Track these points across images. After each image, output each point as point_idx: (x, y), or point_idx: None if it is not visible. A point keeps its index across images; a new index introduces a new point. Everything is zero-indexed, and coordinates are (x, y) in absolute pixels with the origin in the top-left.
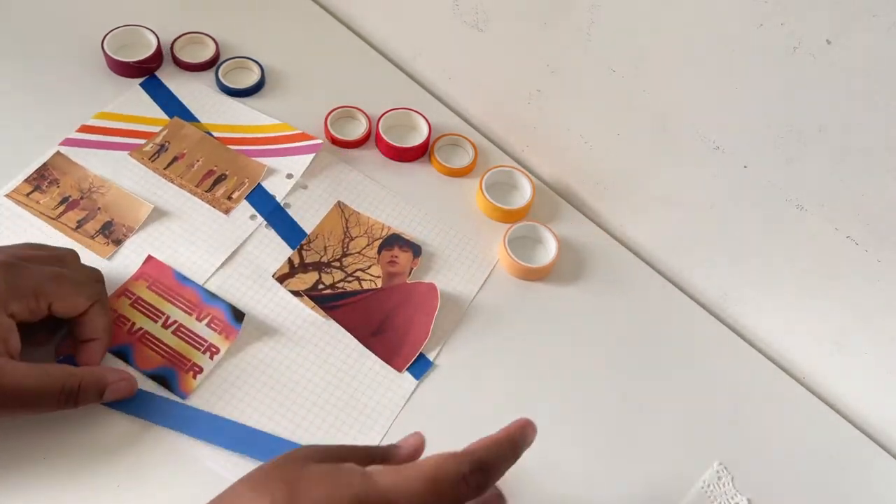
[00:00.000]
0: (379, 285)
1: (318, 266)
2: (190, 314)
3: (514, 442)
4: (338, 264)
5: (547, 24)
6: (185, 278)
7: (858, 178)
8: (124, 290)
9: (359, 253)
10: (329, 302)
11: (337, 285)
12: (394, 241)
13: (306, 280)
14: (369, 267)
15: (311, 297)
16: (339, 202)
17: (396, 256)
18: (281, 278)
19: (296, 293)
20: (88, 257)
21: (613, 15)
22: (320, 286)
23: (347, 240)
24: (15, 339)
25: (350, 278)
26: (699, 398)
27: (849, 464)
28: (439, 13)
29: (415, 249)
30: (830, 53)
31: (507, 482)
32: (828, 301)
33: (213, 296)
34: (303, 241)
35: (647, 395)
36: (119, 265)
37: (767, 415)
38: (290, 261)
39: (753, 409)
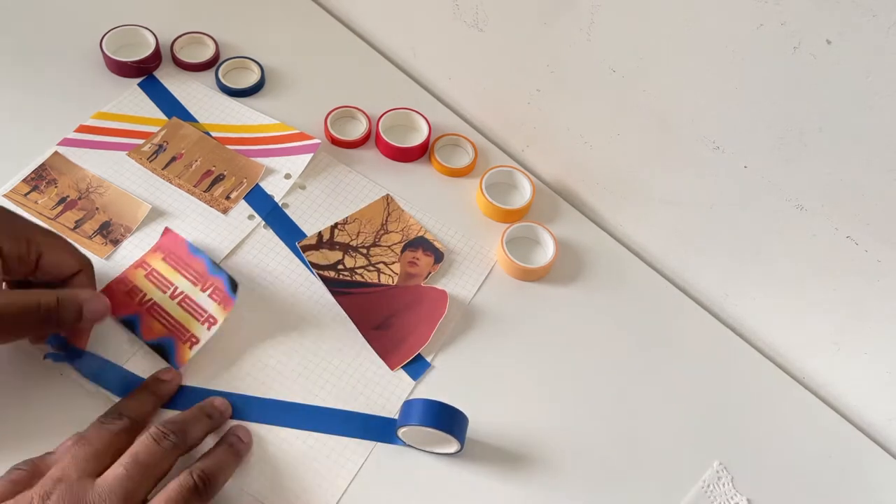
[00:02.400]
0: (395, 282)
1: (345, 248)
2: (196, 285)
3: (202, 409)
4: (364, 251)
5: (547, 25)
6: (196, 249)
7: (858, 178)
8: (142, 262)
9: (388, 247)
10: (341, 287)
11: (357, 270)
12: (419, 244)
13: (329, 257)
14: (393, 263)
15: (325, 280)
16: (388, 195)
17: (418, 259)
18: (305, 248)
19: (316, 266)
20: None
21: (613, 15)
22: (340, 266)
23: (382, 232)
24: None
25: (371, 267)
26: (699, 398)
27: (849, 464)
28: (439, 13)
29: (437, 255)
30: (830, 53)
31: (505, 481)
32: (828, 301)
33: (217, 266)
34: (339, 221)
35: (647, 396)
36: (117, 265)
37: (767, 415)
38: (319, 234)
39: (753, 409)
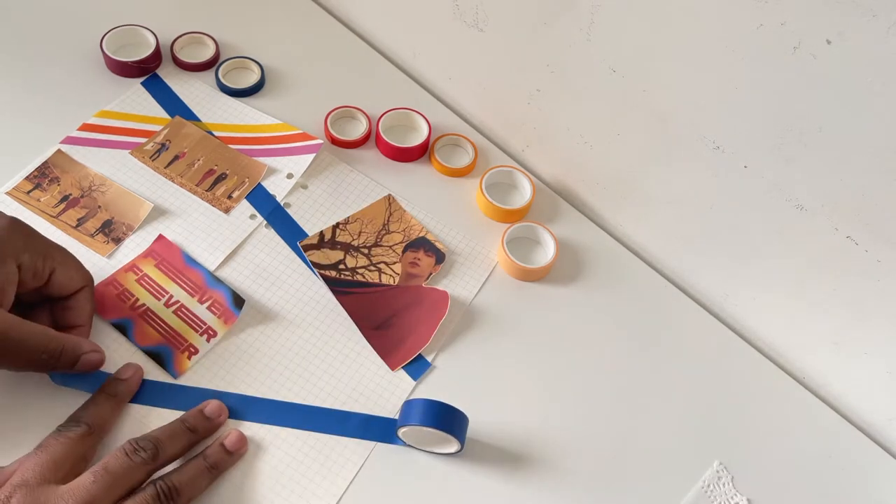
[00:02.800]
0: (396, 282)
1: (347, 247)
2: (192, 296)
3: (185, 422)
4: (366, 251)
5: (547, 25)
6: (192, 260)
7: (858, 178)
8: (132, 266)
9: (389, 247)
10: (342, 287)
11: (358, 270)
12: (420, 244)
13: (331, 256)
14: (394, 263)
15: (327, 279)
16: (389, 195)
17: (419, 259)
18: (307, 247)
19: (317, 265)
20: (88, 255)
21: (613, 15)
22: (341, 266)
23: (384, 232)
24: (11, 293)
25: (372, 267)
26: (699, 398)
27: (849, 464)
28: (439, 13)
29: (438, 256)
30: (830, 53)
31: (505, 481)
32: (828, 301)
33: (217, 280)
34: (340, 220)
35: (647, 396)
36: (118, 263)
37: (767, 415)
38: (321, 234)
39: (753, 409)
